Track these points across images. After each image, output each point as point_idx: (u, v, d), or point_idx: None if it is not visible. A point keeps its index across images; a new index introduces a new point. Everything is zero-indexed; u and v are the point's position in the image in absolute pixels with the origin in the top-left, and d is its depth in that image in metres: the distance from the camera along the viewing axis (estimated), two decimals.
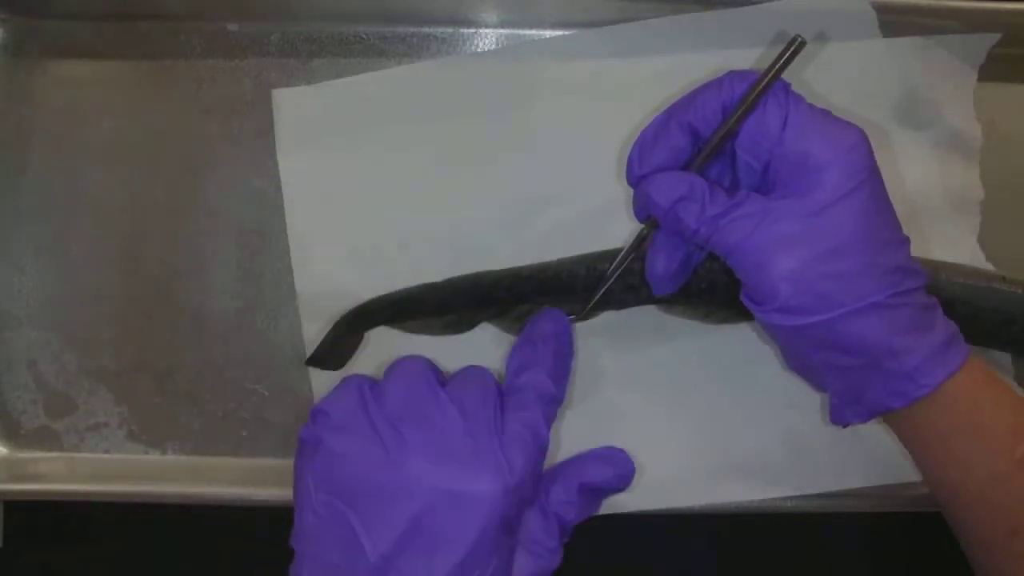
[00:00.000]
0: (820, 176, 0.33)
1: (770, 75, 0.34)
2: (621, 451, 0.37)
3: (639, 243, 0.38)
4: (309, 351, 0.42)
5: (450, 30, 0.44)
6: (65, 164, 0.43)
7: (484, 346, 0.42)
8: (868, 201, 0.33)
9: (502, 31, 0.44)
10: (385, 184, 0.42)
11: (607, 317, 0.41)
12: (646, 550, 0.46)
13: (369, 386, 0.34)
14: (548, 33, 0.44)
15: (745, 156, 0.35)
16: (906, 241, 0.34)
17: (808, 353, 0.35)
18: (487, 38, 0.44)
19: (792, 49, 0.34)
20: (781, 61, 0.34)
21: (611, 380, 0.42)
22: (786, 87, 0.35)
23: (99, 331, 0.43)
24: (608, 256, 0.40)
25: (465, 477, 0.32)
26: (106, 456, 0.43)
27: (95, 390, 0.43)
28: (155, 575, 0.46)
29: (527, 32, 0.44)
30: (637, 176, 0.36)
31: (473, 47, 0.44)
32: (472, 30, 0.44)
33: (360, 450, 0.33)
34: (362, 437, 0.33)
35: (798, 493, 0.41)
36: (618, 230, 0.42)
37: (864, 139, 0.34)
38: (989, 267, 0.42)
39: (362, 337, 0.42)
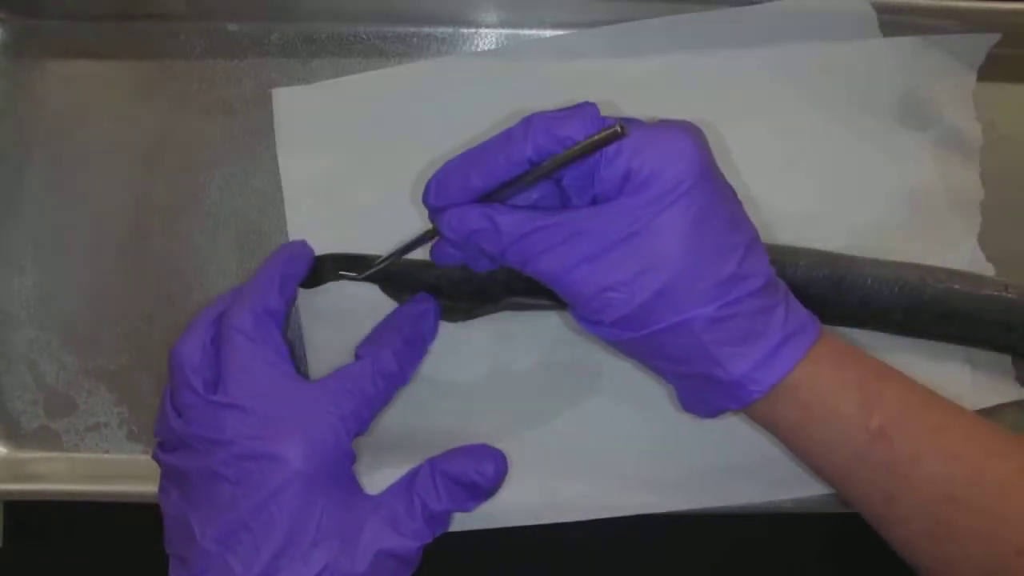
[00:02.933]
0: (643, 192, 0.32)
1: (571, 157, 0.32)
2: (493, 451, 0.36)
3: (426, 239, 0.37)
4: (310, 351, 0.42)
5: (450, 30, 0.44)
6: (65, 164, 0.43)
7: (481, 342, 0.42)
8: (693, 211, 0.32)
9: (502, 31, 0.44)
10: (385, 183, 0.42)
11: None
12: (645, 552, 0.46)
13: (171, 402, 0.35)
14: (548, 33, 0.44)
15: (571, 183, 0.34)
16: (741, 244, 0.33)
17: (643, 359, 0.35)
18: (487, 38, 0.44)
19: (604, 138, 0.32)
20: (586, 146, 0.32)
21: (609, 380, 0.42)
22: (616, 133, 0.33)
23: (99, 331, 0.43)
24: None
25: (262, 455, 0.33)
26: (106, 456, 0.43)
27: (95, 390, 0.43)
28: (155, 575, 0.46)
29: (527, 32, 0.44)
30: (432, 206, 0.36)
31: (473, 47, 0.44)
32: (472, 30, 0.44)
33: (182, 461, 0.34)
34: (181, 451, 0.35)
35: (799, 495, 0.41)
36: None
37: (694, 145, 0.33)
38: (989, 267, 0.42)
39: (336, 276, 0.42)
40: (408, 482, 0.36)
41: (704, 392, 0.34)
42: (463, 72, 0.43)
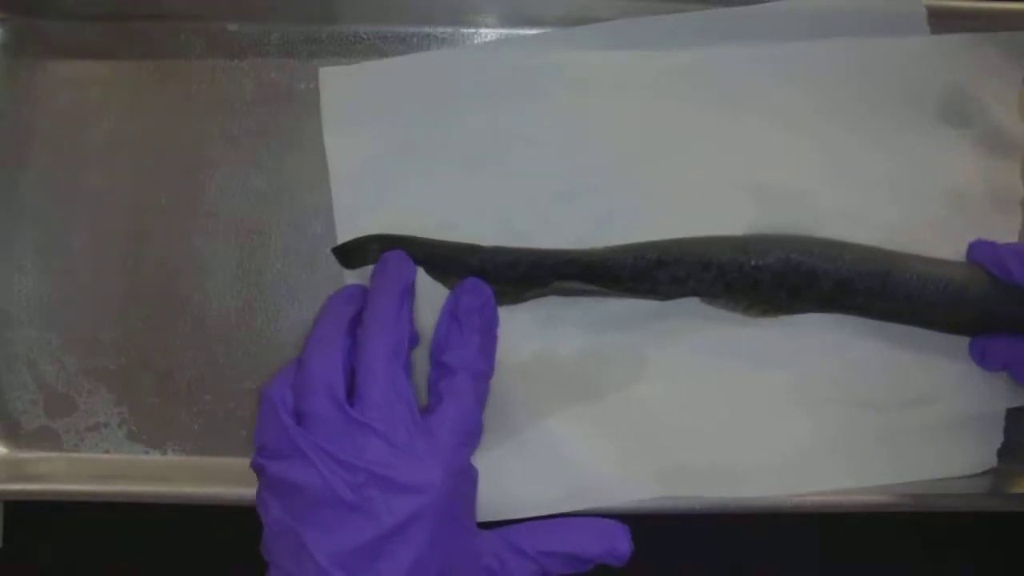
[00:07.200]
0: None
1: None
2: (623, 528, 0.36)
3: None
4: None
5: (450, 30, 0.44)
6: (65, 164, 0.43)
7: (528, 326, 0.41)
8: None
9: (502, 31, 0.44)
10: (432, 165, 0.42)
11: (650, 307, 0.41)
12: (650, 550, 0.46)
13: (286, 410, 0.34)
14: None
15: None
16: None
17: None
18: (487, 38, 0.44)
19: None
20: None
21: (655, 367, 0.42)
22: None
23: (99, 331, 0.43)
24: (656, 247, 0.40)
25: (393, 485, 0.33)
26: (106, 456, 0.43)
27: (95, 390, 0.43)
28: (155, 575, 0.46)
29: (528, 32, 0.44)
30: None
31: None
32: (472, 30, 0.44)
33: (292, 473, 0.33)
34: (296, 461, 0.33)
35: (827, 488, 0.41)
36: (670, 220, 0.41)
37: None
38: None
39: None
40: (518, 546, 0.35)
41: None
42: (514, 55, 0.43)
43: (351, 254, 0.41)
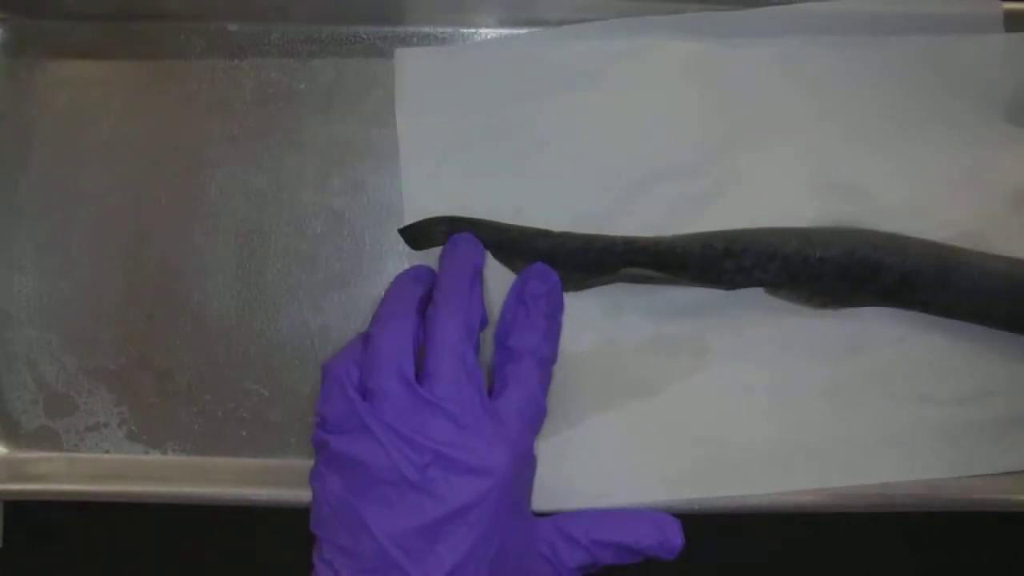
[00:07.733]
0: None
1: None
2: (676, 522, 0.36)
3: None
4: None
5: (450, 30, 0.44)
6: (65, 164, 0.43)
7: (591, 313, 0.41)
8: None
9: (502, 31, 0.44)
10: (500, 149, 0.42)
11: (712, 296, 0.41)
12: None
13: (352, 385, 0.34)
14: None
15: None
16: None
17: None
18: (487, 38, 0.44)
19: None
20: None
21: (716, 358, 0.42)
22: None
23: (99, 331, 0.43)
24: (723, 236, 0.40)
25: (460, 466, 0.32)
26: (106, 456, 0.43)
27: (95, 390, 0.43)
28: (155, 575, 0.46)
29: (527, 32, 0.44)
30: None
31: None
32: (472, 30, 0.44)
33: (361, 449, 0.33)
34: (360, 437, 0.33)
35: (889, 480, 0.41)
36: (733, 211, 0.41)
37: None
38: None
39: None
40: (570, 534, 0.36)
41: None
42: (584, 42, 0.42)
43: (418, 235, 0.41)
